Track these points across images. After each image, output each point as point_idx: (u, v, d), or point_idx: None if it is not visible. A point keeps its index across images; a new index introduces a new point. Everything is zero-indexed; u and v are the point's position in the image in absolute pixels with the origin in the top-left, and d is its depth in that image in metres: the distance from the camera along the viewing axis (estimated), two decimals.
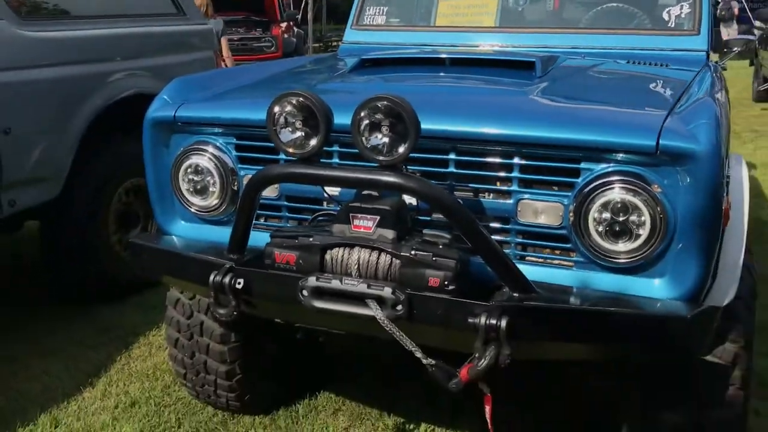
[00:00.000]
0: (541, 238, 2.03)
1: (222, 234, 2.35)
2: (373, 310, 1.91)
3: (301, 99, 1.88)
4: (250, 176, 2.27)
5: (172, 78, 4.44)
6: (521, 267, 1.94)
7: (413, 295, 1.89)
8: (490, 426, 2.03)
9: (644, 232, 1.88)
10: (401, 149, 1.84)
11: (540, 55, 2.53)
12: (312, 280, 1.97)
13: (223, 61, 7.39)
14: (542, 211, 2.00)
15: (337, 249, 2.00)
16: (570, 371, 2.41)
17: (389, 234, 1.96)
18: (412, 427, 2.93)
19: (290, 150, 1.93)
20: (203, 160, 2.32)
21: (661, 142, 1.83)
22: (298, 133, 1.92)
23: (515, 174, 2.00)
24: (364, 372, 3.38)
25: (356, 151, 1.91)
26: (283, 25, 12.90)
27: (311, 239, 2.03)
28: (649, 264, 1.92)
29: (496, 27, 3.36)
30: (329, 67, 2.98)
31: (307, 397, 3.12)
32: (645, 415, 2.20)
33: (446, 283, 1.88)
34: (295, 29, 14.57)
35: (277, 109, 1.91)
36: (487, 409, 2.01)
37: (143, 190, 4.29)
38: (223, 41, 7.35)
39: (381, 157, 1.83)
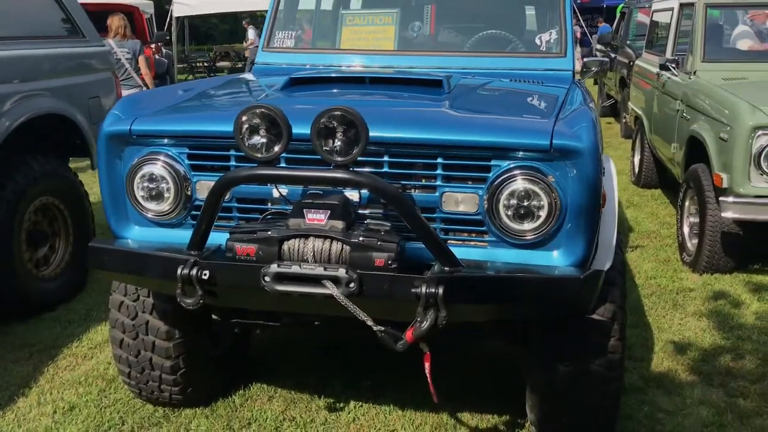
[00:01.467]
0: (461, 223, 2.47)
1: (175, 235, 2.64)
2: (330, 289, 2.27)
3: (264, 110, 2.21)
4: (202, 182, 2.58)
5: (73, 98, 4.65)
6: None
7: (363, 274, 2.26)
8: (429, 378, 2.43)
9: (543, 214, 2.36)
10: (354, 151, 2.21)
11: (444, 75, 2.99)
12: (274, 267, 2.30)
13: (142, 78, 7.50)
14: (462, 201, 2.43)
15: (294, 240, 2.33)
16: (490, 336, 2.87)
17: (339, 224, 2.32)
18: (341, 405, 3.28)
19: (257, 155, 2.25)
20: (157, 169, 2.58)
21: (554, 141, 2.32)
22: (263, 140, 2.24)
23: (439, 171, 2.42)
24: (289, 364, 3.69)
25: (299, 156, 2.30)
26: (153, 46, 12.87)
27: (269, 232, 2.35)
28: (548, 239, 2.40)
29: (395, 50, 3.81)
30: (258, 86, 3.30)
31: (241, 388, 3.39)
32: (546, 366, 2.68)
33: (390, 262, 2.27)
34: (164, 50, 14.55)
35: (244, 118, 2.23)
36: (427, 365, 2.41)
37: (52, 208, 4.44)
38: (141, 60, 7.51)
39: (338, 158, 2.20)
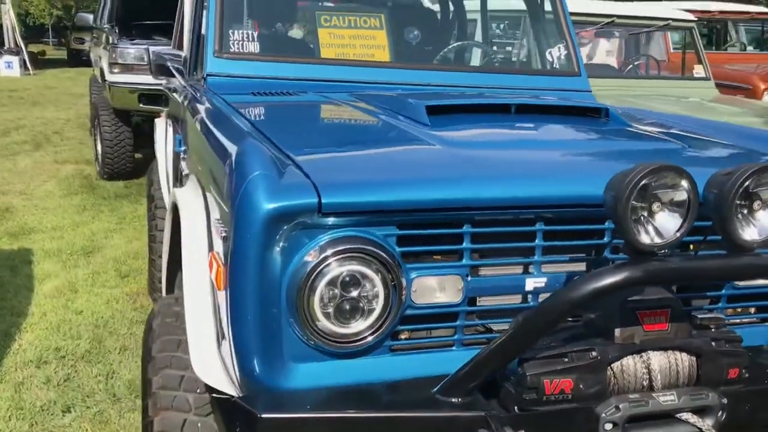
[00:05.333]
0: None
1: (364, 370, 1.63)
2: (699, 424, 1.57)
3: (672, 171, 1.41)
4: (423, 279, 1.62)
5: None
6: None
7: (728, 395, 1.61)
8: None
9: None
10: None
11: (598, 103, 2.37)
12: (622, 407, 1.52)
13: None
14: None
15: (627, 360, 1.57)
16: None
17: (684, 328, 1.62)
18: None
19: (652, 241, 1.43)
20: (358, 265, 1.54)
21: None
22: (666, 216, 1.43)
23: None
24: None
25: None
26: None
27: (593, 353, 1.55)
28: None
29: (392, 63, 3.00)
30: (380, 121, 2.19)
31: None
32: None
33: (743, 371, 1.66)
34: None
35: (644, 181, 1.39)
36: None
37: None
38: None
39: (749, 238, 1.50)
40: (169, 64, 2.99)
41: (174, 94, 3.47)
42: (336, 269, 1.53)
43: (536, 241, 1.68)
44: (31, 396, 3.25)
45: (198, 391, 1.85)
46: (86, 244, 5.37)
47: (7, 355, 3.62)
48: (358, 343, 1.59)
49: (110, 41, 7.29)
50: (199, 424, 1.81)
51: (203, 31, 3.02)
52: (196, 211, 1.89)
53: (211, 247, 1.78)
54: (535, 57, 3.26)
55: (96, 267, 4.92)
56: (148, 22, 7.92)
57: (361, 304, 1.56)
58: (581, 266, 1.74)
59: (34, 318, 4.07)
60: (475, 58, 3.26)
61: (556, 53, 3.21)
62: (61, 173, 7.77)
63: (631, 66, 6.31)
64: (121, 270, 4.86)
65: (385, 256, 1.56)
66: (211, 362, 1.69)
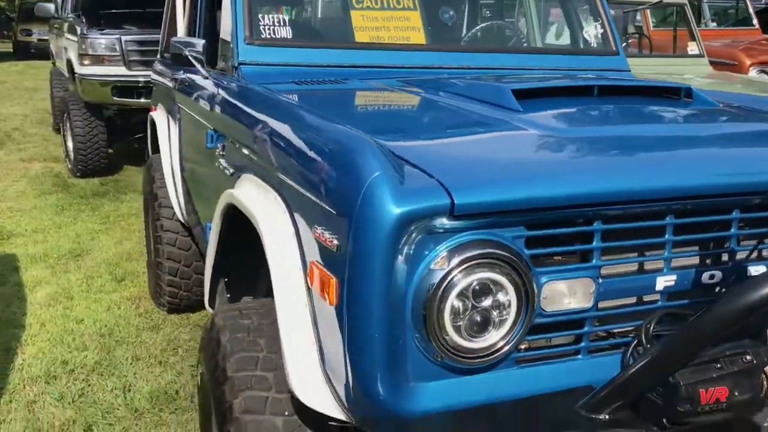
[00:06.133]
0: None
1: (488, 387, 1.47)
2: None
3: None
4: (554, 284, 1.46)
5: None
6: None
7: None
8: None
9: None
10: None
11: (680, 84, 2.23)
12: None
13: None
14: None
15: None
16: None
17: None
18: None
19: None
20: (492, 273, 1.38)
21: None
22: None
23: None
24: None
25: None
26: None
27: (748, 357, 1.42)
28: None
29: (429, 45, 2.82)
30: (464, 109, 1.99)
31: None
32: None
33: None
34: None
35: None
36: None
37: None
38: None
39: None
40: (187, 53, 2.76)
41: (184, 85, 3.24)
42: (467, 277, 1.37)
43: (666, 236, 1.54)
44: (47, 415, 3.01)
45: (286, 414, 1.67)
46: (73, 247, 5.08)
47: (12, 371, 3.37)
48: (489, 358, 1.43)
49: (79, 32, 6.92)
50: None
51: (222, 17, 2.82)
52: (279, 216, 1.70)
53: (303, 256, 1.60)
54: (571, 37, 3.12)
55: (88, 271, 4.65)
56: (116, 11, 7.56)
57: (492, 315, 1.41)
58: (709, 261, 1.61)
59: (33, 329, 3.81)
60: (512, 39, 3.11)
61: (592, 32, 3.08)
62: (31, 172, 7.40)
63: (625, 44, 6.23)
64: (116, 273, 4.60)
65: (515, 260, 1.40)
66: (315, 383, 1.52)
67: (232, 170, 2.22)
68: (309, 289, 1.57)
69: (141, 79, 6.78)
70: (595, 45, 3.07)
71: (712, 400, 1.39)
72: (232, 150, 2.26)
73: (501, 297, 1.40)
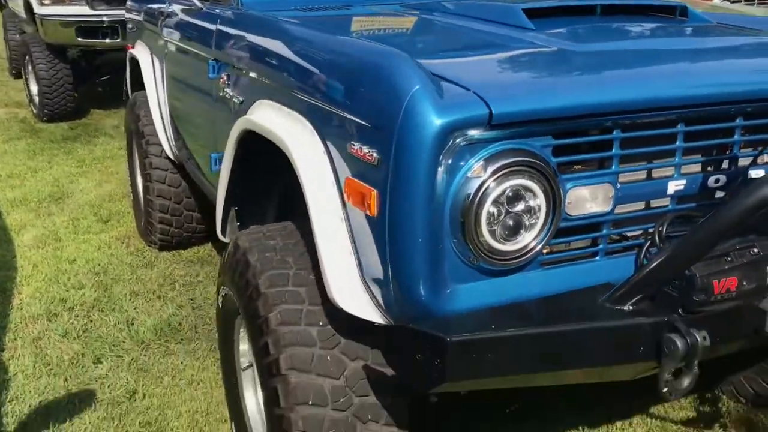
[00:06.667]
0: None
1: (515, 287, 1.58)
2: None
3: None
4: (578, 190, 1.57)
5: None
6: None
7: None
8: None
9: None
10: None
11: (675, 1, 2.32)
12: None
13: None
14: None
15: None
16: None
17: None
18: None
19: None
20: (524, 179, 1.48)
21: None
22: None
23: None
24: None
25: None
26: None
27: (755, 250, 1.55)
28: None
29: None
30: (480, 30, 2.03)
31: None
32: None
33: None
34: None
35: None
36: None
37: None
38: None
39: None
40: None
41: (171, 18, 3.22)
42: (501, 184, 1.46)
43: (677, 143, 1.65)
44: (55, 350, 3.07)
45: (320, 324, 1.77)
46: (53, 191, 5.05)
47: (12, 311, 3.40)
48: (519, 260, 1.54)
49: None
50: (328, 357, 1.74)
51: None
52: (306, 137, 1.76)
53: (335, 172, 1.67)
54: None
55: (72, 213, 4.64)
56: None
57: (524, 219, 1.51)
58: (713, 166, 1.73)
59: (26, 270, 3.82)
60: None
61: None
62: None
63: None
64: (101, 215, 4.60)
65: (545, 167, 1.50)
66: (353, 290, 1.62)
67: (241, 98, 2.26)
68: (344, 203, 1.65)
69: (105, 18, 6.63)
70: None
71: (724, 290, 1.52)
72: (240, 78, 2.29)
73: (531, 202, 1.50)
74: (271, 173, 2.26)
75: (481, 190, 1.45)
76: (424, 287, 1.48)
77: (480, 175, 1.45)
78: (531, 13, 1.98)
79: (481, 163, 1.45)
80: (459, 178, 1.45)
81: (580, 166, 1.63)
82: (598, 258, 1.67)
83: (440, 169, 1.43)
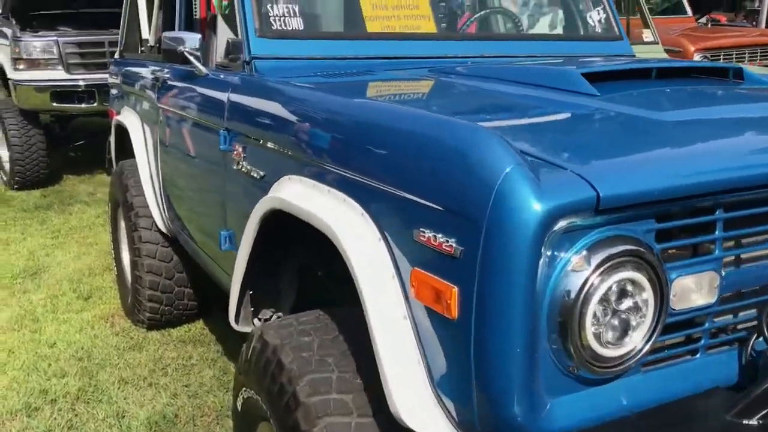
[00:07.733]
0: None
1: (618, 398, 1.35)
2: None
3: None
4: (684, 280, 1.35)
5: None
6: None
7: None
8: None
9: None
10: None
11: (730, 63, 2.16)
12: None
13: None
14: None
15: None
16: None
17: None
18: None
19: None
20: (631, 271, 1.26)
21: None
22: None
23: None
24: None
25: None
26: None
27: None
28: None
29: (437, 34, 2.69)
30: (538, 96, 1.84)
31: None
32: None
33: None
34: None
35: None
36: None
37: None
38: None
39: None
40: (182, 49, 2.53)
41: (169, 84, 3.00)
42: (607, 279, 1.24)
43: None
44: None
45: None
46: (28, 265, 4.71)
47: None
48: (624, 366, 1.31)
49: (11, 34, 6.47)
50: None
51: (220, 7, 2.61)
52: (355, 219, 1.52)
53: (395, 262, 1.44)
54: (575, 23, 3.04)
55: (50, 290, 4.31)
56: (48, 11, 7.13)
57: (631, 318, 1.28)
58: None
59: (1, 357, 3.48)
60: (513, 26, 3.00)
61: (595, 17, 3.01)
62: None
63: None
64: (81, 291, 4.27)
65: (651, 255, 1.28)
66: (423, 405, 1.36)
67: (262, 173, 2.03)
68: (407, 298, 1.41)
69: (81, 83, 6.41)
70: (600, 31, 3.00)
71: None
72: (261, 151, 2.07)
73: (638, 297, 1.28)
74: (283, 248, 2.03)
75: (586, 286, 1.22)
76: (519, 404, 1.23)
77: (582, 268, 1.23)
78: (590, 77, 1.79)
79: (584, 253, 1.23)
80: (558, 272, 1.23)
81: (675, 251, 1.42)
82: (698, 356, 1.45)
83: (541, 262, 1.20)
